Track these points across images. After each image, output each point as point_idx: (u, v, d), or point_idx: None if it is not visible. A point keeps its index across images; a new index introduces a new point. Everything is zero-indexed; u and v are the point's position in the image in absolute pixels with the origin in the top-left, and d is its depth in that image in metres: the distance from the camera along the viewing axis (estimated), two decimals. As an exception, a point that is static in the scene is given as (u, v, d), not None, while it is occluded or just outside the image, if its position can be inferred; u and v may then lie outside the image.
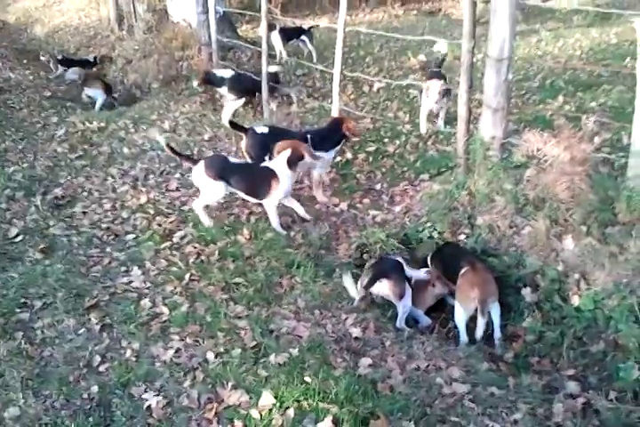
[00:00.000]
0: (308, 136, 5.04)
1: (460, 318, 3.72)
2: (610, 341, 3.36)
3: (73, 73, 8.89)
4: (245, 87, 7.25)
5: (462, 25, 4.60)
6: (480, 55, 5.47)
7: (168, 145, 4.74)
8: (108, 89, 8.56)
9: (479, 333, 3.64)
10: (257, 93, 7.14)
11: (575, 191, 3.90)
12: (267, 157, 4.92)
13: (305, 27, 9.83)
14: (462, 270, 3.77)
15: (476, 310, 3.60)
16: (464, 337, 3.71)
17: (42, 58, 10.31)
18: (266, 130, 5.16)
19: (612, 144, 5.07)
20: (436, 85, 6.11)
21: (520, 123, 5.96)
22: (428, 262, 4.21)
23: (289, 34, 9.68)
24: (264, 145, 4.96)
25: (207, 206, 4.75)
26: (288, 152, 4.57)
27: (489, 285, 3.68)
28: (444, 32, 10.11)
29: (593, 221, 3.81)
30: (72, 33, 12.44)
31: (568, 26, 10.30)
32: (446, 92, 6.13)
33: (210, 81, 7.47)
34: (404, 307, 3.81)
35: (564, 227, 3.93)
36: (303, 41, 9.74)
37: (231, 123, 5.15)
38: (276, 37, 9.36)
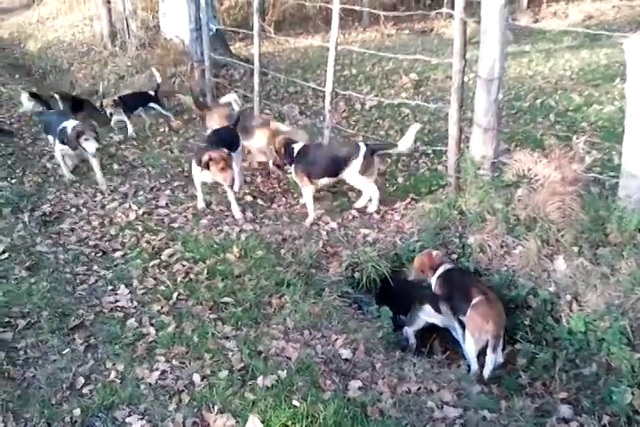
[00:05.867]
0: None
1: (471, 349, 3.60)
2: (602, 363, 3.33)
3: None
4: None
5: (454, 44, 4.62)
6: (472, 75, 5.50)
7: None
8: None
9: (487, 371, 3.51)
10: None
11: (566, 211, 3.90)
12: None
13: (151, 92, 7.83)
14: (475, 300, 3.63)
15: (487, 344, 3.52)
16: (475, 367, 3.57)
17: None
18: None
19: (603, 164, 5.11)
20: None
21: (511, 142, 5.97)
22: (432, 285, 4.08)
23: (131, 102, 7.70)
24: None
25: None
26: None
27: (502, 318, 3.58)
28: (435, 51, 10.16)
29: (584, 241, 3.80)
30: (65, 49, 12.40)
31: (558, 46, 10.40)
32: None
33: None
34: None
35: (555, 247, 3.92)
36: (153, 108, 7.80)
37: None
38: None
